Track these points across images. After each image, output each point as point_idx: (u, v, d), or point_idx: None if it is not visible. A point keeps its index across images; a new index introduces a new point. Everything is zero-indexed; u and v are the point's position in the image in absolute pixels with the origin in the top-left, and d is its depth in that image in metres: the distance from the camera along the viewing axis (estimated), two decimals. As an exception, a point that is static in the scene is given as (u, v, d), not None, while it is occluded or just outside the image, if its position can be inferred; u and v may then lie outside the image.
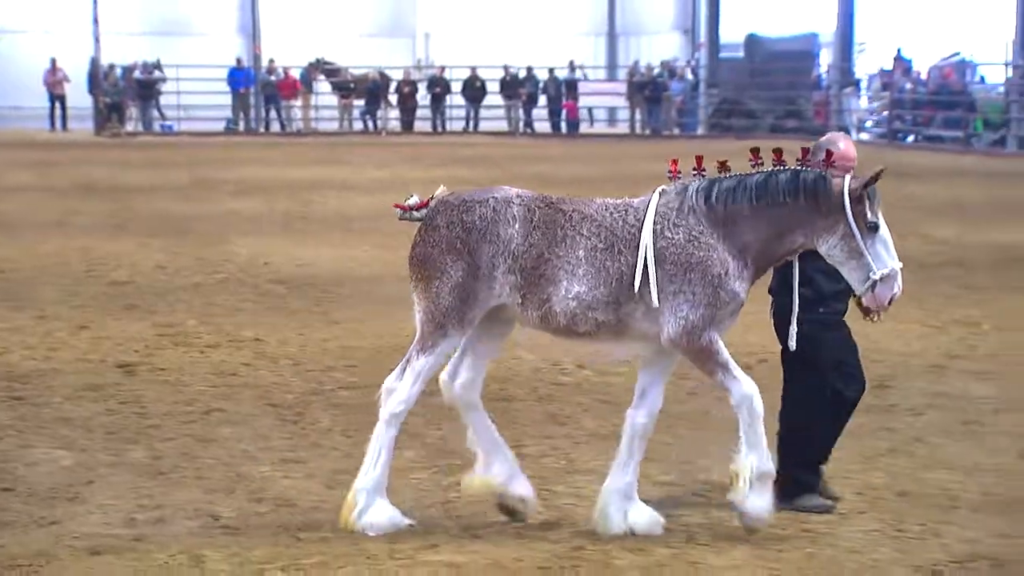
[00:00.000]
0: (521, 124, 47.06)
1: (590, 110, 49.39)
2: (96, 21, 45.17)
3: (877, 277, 7.23)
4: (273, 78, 46.88)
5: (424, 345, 7.58)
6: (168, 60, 46.08)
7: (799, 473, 7.99)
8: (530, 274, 7.43)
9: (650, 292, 7.28)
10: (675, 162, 7.63)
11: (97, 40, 45.22)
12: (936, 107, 39.34)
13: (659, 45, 52.43)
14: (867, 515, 7.94)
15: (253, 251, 18.92)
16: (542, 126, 47.18)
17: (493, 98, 46.64)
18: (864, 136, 42.09)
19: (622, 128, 46.92)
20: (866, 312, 7.57)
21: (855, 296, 7.43)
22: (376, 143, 42.44)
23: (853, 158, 7.73)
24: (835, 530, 7.67)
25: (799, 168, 7.40)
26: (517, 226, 7.45)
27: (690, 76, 48.11)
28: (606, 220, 7.48)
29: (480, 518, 7.91)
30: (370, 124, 46.88)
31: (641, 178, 29.25)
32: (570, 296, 7.40)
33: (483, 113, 46.87)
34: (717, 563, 7.14)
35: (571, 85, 46.78)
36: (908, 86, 41.62)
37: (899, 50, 44.22)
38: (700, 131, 45.50)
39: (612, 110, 48.27)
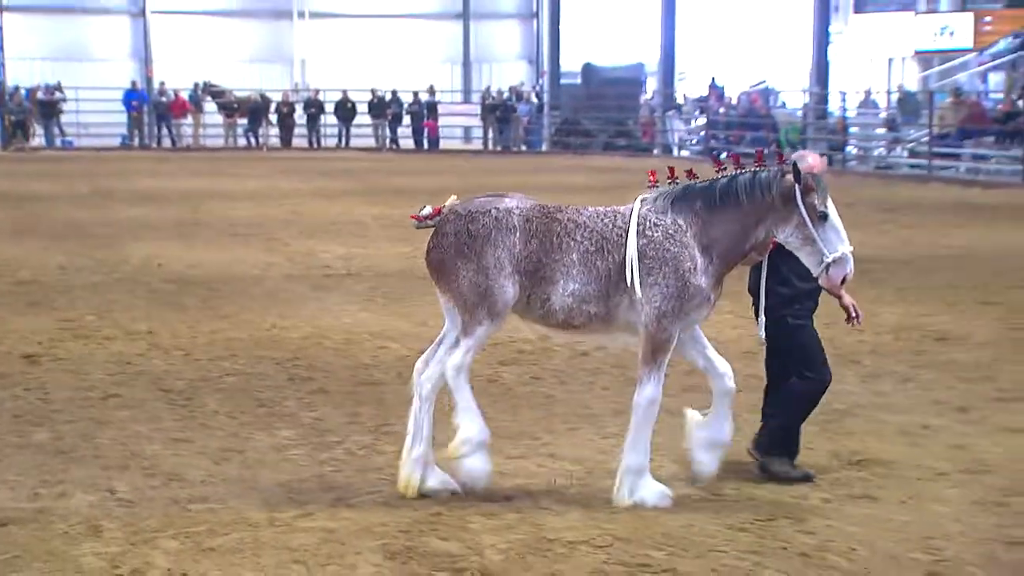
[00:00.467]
0: (387, 141, 46.93)
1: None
2: (2, 47, 44.12)
3: (829, 260, 7.25)
4: (164, 99, 46.28)
5: (466, 330, 7.56)
6: (68, 82, 45.18)
7: (785, 436, 8.07)
8: (532, 276, 7.47)
9: (635, 286, 7.34)
10: (653, 173, 7.73)
11: (3, 64, 44.18)
12: (745, 128, 39.91)
13: (508, 72, 52.72)
14: (686, 482, 7.98)
15: (147, 253, 18.63)
16: (407, 143, 47.12)
17: (363, 118, 46.48)
18: (685, 153, 42.57)
19: (476, 144, 46.99)
20: (848, 316, 7.90)
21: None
22: (258, 158, 42.00)
23: (820, 167, 7.72)
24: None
25: (756, 169, 7.47)
26: (517, 234, 7.46)
27: (535, 99, 48.34)
28: (596, 226, 7.50)
29: (351, 489, 7.86)
30: (252, 140, 46.34)
31: (491, 187, 29.49)
32: (567, 293, 7.46)
33: (354, 131, 46.60)
34: (557, 524, 7.15)
35: (431, 107, 46.76)
36: (721, 110, 42.18)
37: (713, 79, 44.84)
38: (544, 147, 45.67)
39: (467, 128, 48.27)
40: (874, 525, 7.09)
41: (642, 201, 7.56)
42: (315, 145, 46.41)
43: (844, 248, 7.27)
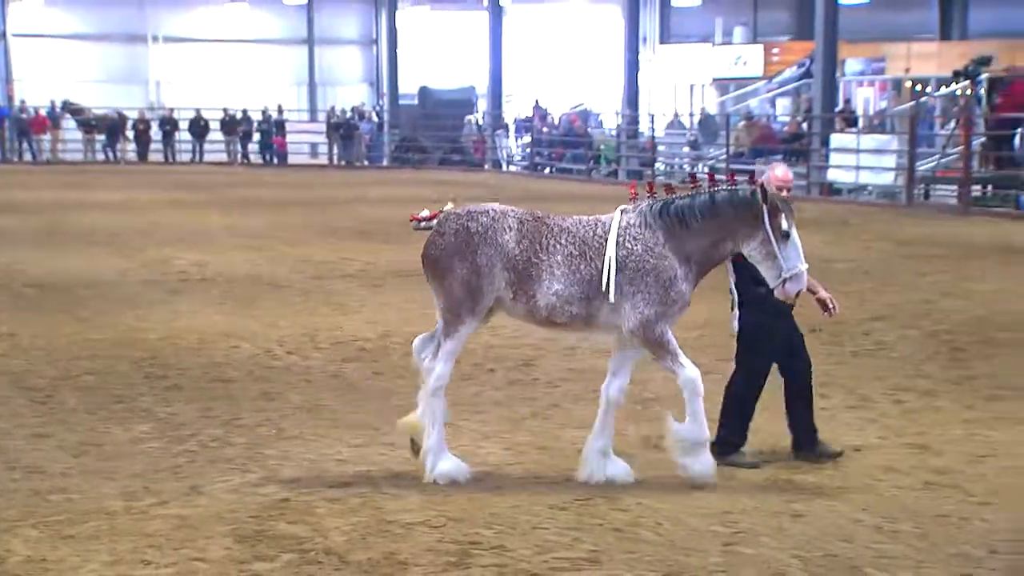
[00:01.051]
0: (239, 156, 46.25)
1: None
2: None
3: (788, 275, 7.26)
4: (24, 116, 44.93)
5: (448, 332, 7.53)
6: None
7: (732, 436, 8.05)
8: (520, 274, 7.43)
9: (610, 291, 7.32)
10: (633, 186, 7.72)
11: None
12: (566, 146, 40.27)
13: (351, 94, 52.42)
14: (515, 466, 8.03)
15: (9, 260, 18.05)
16: (257, 158, 46.50)
17: (215, 135, 45.75)
18: (513, 168, 42.77)
19: (322, 159, 46.55)
20: (824, 307, 7.90)
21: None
22: (116, 171, 40.97)
23: (788, 180, 7.78)
24: (489, 477, 7.73)
25: (731, 188, 7.45)
26: (511, 234, 7.43)
27: (376, 119, 48.14)
28: (579, 232, 7.47)
29: (204, 479, 7.71)
30: (110, 155, 45.20)
31: (339, 199, 29.33)
32: (551, 293, 7.41)
33: (207, 147, 45.80)
34: (396, 507, 7.12)
35: (279, 124, 46.20)
36: (544, 129, 42.50)
37: (537, 101, 45.17)
38: (385, 163, 45.48)
39: (314, 145, 47.77)
40: (680, 502, 7.20)
41: (622, 212, 7.55)
42: (170, 160, 45.49)
43: (801, 265, 7.30)
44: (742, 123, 34.24)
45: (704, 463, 7.47)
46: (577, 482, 7.54)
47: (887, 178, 28.03)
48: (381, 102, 50.26)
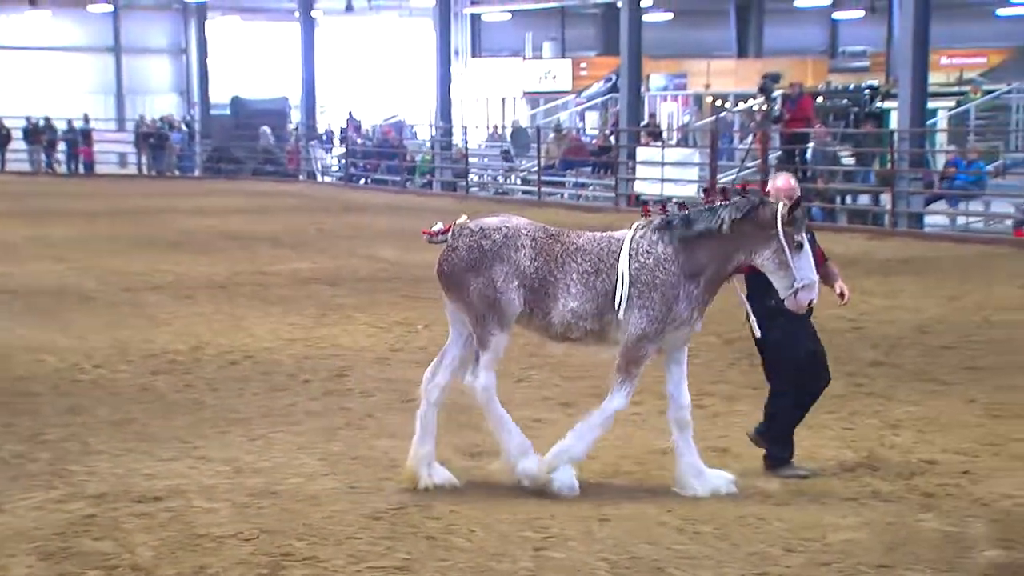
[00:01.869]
0: (43, 165, 44.72)
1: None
2: None
3: (800, 285, 7.17)
4: None
5: (481, 343, 7.45)
6: None
7: (781, 452, 7.95)
8: (536, 291, 7.34)
9: (621, 306, 7.23)
10: (646, 205, 7.62)
11: None
12: (380, 157, 40.17)
13: (160, 103, 51.30)
14: (329, 476, 7.95)
15: None
16: (63, 168, 45.03)
17: (18, 143, 44.15)
18: (328, 179, 42.44)
19: (132, 170, 45.37)
20: (840, 294, 7.83)
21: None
22: (-88, 180, 39.17)
23: (791, 188, 7.63)
24: (303, 488, 7.65)
25: (740, 200, 7.33)
26: (525, 252, 7.33)
27: (186, 128, 47.17)
28: (593, 249, 7.38)
29: (5, 495, 7.42)
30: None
31: (150, 210, 28.64)
32: (567, 310, 7.33)
33: (9, 156, 44.21)
34: (207, 520, 6.98)
35: (86, 134, 44.84)
36: (359, 140, 42.31)
37: (351, 112, 44.95)
38: (197, 173, 44.59)
39: (122, 155, 46.52)
40: (491, 509, 7.24)
41: (636, 228, 7.47)
42: (-29, 169, 43.74)
43: (812, 276, 7.23)
44: (552, 136, 34.68)
45: (565, 478, 7.48)
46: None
47: (691, 190, 28.74)
48: (192, 112, 49.27)
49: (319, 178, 42.18)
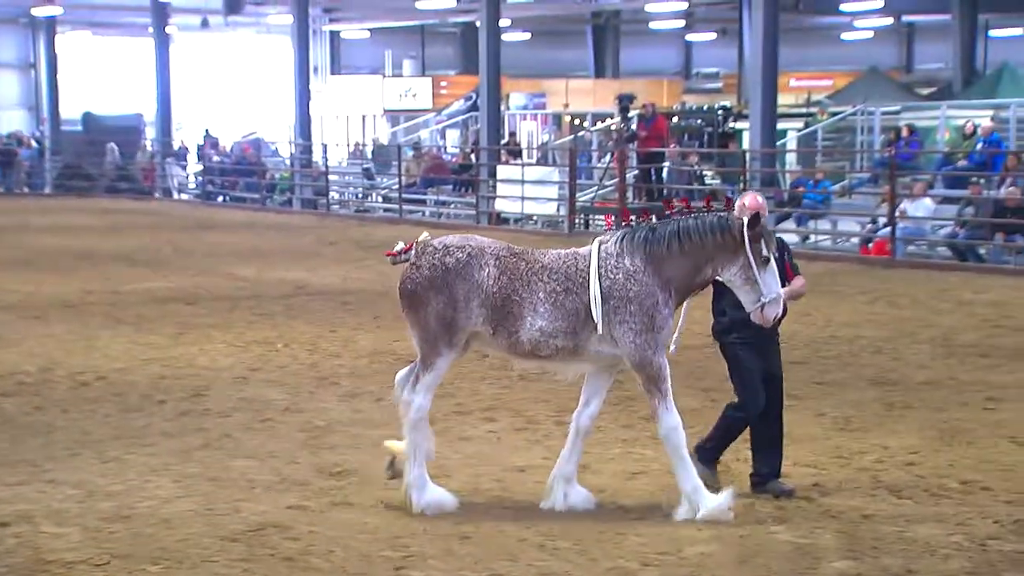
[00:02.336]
0: None
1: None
2: None
3: (766, 300, 7.16)
4: None
5: (425, 363, 7.39)
6: None
7: (762, 467, 7.83)
8: (499, 310, 7.27)
9: (599, 323, 7.14)
10: (609, 217, 7.46)
11: None
12: (239, 174, 39.63)
13: (7, 119, 49.77)
14: (185, 499, 7.80)
15: None
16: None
17: None
18: (185, 196, 41.72)
19: (-23, 187, 43.97)
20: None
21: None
22: None
23: (758, 207, 7.49)
24: (157, 511, 7.49)
25: (709, 214, 7.29)
26: (488, 271, 7.28)
27: (36, 145, 45.92)
28: (560, 267, 7.32)
29: None
30: None
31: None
32: (534, 329, 7.27)
33: None
34: (56, 546, 6.80)
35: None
36: (216, 157, 41.70)
37: (207, 129, 44.28)
38: (48, 190, 43.38)
39: (-31, 172, 45.10)
40: (351, 529, 7.19)
41: (600, 243, 7.39)
42: None
43: (778, 290, 7.21)
44: (412, 154, 34.66)
45: (717, 501, 7.30)
46: (542, 508, 7.53)
47: (551, 208, 28.99)
48: (42, 128, 47.98)
49: (175, 195, 41.42)
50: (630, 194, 26.51)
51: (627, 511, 7.57)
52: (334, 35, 51.43)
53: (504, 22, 36.60)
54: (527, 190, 28.76)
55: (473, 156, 33.25)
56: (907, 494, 7.84)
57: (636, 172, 27.36)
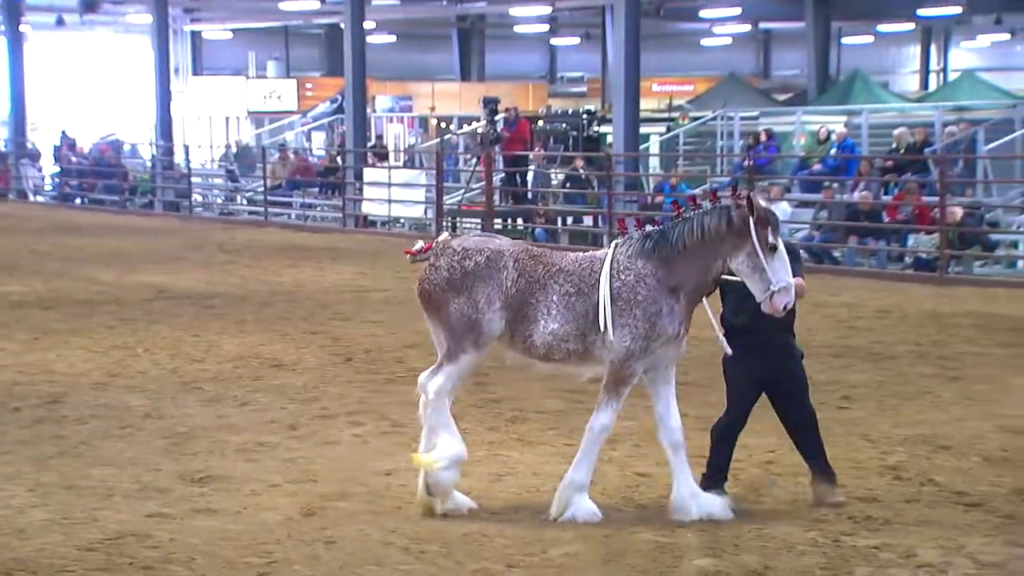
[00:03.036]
0: None
1: None
2: None
3: (775, 289, 7.03)
4: None
5: (450, 355, 7.33)
6: None
7: (709, 477, 7.66)
8: (516, 312, 7.26)
9: (608, 328, 7.08)
10: (621, 221, 7.38)
11: None
12: (97, 176, 38.75)
13: None
14: (40, 508, 7.60)
15: None
16: None
17: None
18: (41, 199, 40.63)
19: None
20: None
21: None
22: None
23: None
24: (11, 521, 7.28)
25: (713, 207, 7.17)
26: (507, 273, 7.25)
27: None
28: (575, 270, 7.28)
29: None
30: None
31: None
32: (547, 332, 7.24)
33: None
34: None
35: None
36: (73, 159, 40.71)
37: (64, 131, 43.17)
38: None
39: None
40: (213, 535, 7.07)
41: (615, 247, 7.30)
42: None
43: (788, 279, 7.08)
44: (277, 156, 34.29)
45: (583, 507, 7.33)
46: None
47: (418, 211, 28.95)
48: None
49: (31, 198, 40.33)
50: (497, 197, 26.63)
51: (493, 513, 7.58)
52: (195, 35, 50.56)
53: (369, 24, 36.41)
54: (394, 193, 28.69)
55: (339, 158, 33.02)
56: (765, 492, 7.99)
57: (503, 175, 27.48)
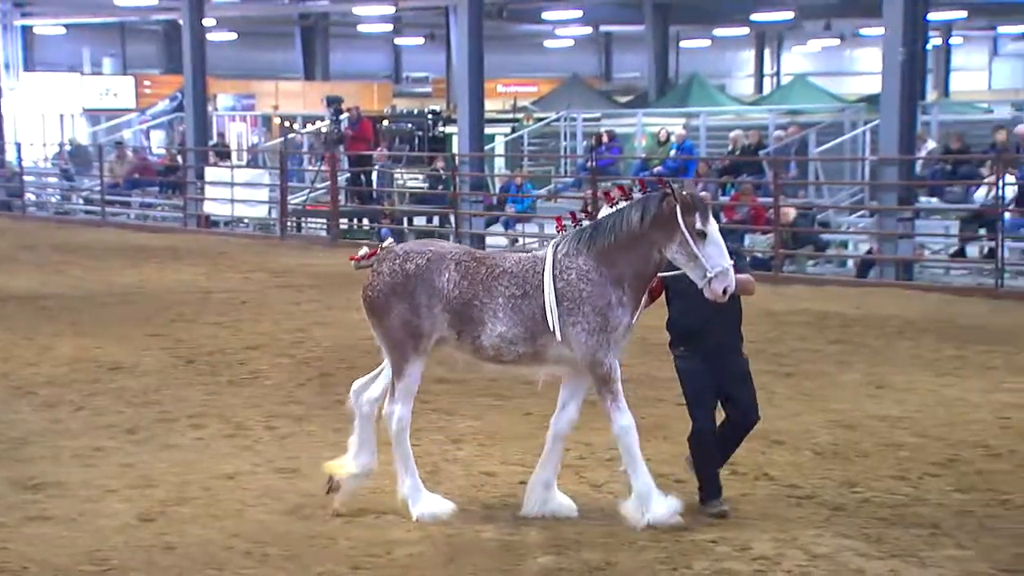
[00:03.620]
0: None
1: None
2: None
3: (712, 275, 6.95)
4: None
5: (397, 372, 7.29)
6: None
7: (702, 488, 7.55)
8: (460, 315, 7.20)
9: (556, 329, 7.08)
10: (559, 219, 7.25)
11: None
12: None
13: None
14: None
15: None
16: None
17: None
18: None
19: None
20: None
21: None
22: None
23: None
24: None
25: (640, 197, 7.08)
26: (447, 276, 7.20)
27: None
28: (518, 271, 7.24)
29: None
30: None
31: None
32: (495, 335, 7.19)
33: None
34: None
35: None
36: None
37: None
38: None
39: None
40: (47, 543, 6.89)
41: (554, 247, 7.17)
42: None
43: (725, 263, 7.00)
44: (114, 154, 33.45)
45: (665, 506, 7.21)
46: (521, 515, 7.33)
47: (262, 211, 28.57)
48: None
49: None
50: (342, 197, 26.44)
51: (338, 515, 7.53)
52: (26, 30, 48.91)
53: (209, 21, 35.80)
54: (237, 192, 28.26)
55: (180, 157, 32.38)
56: (608, 489, 8.10)
57: (348, 175, 27.29)
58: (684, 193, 7.13)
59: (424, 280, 7.25)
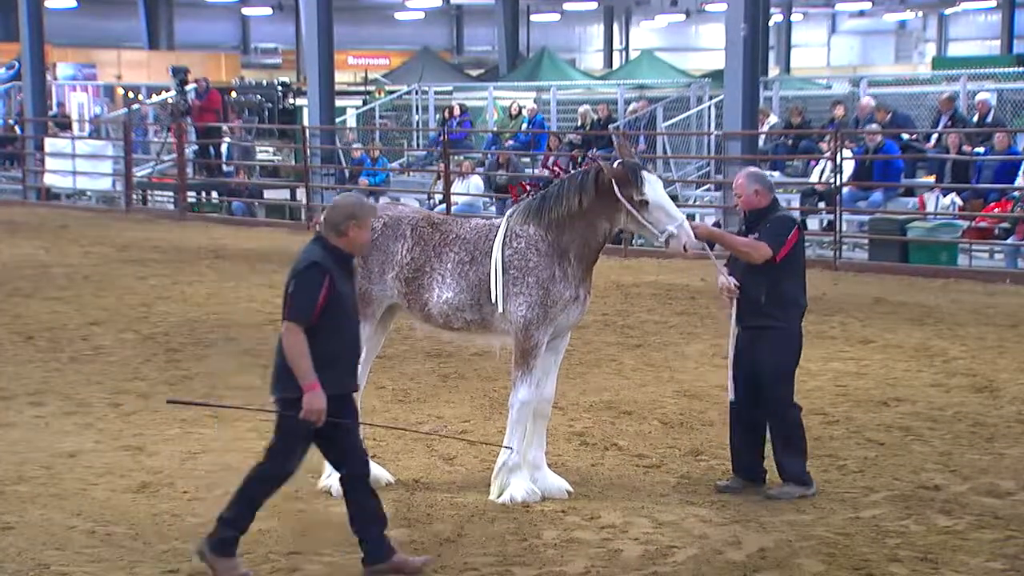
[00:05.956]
0: None
1: None
2: None
3: (663, 239, 7.00)
4: None
5: None
6: None
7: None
8: (411, 281, 7.16)
9: (499, 301, 7.00)
10: (512, 188, 6.69)
11: None
12: None
13: None
14: None
15: None
16: None
17: None
18: None
19: None
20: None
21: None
22: None
23: (737, 186, 7.45)
24: None
25: (581, 171, 6.97)
26: (403, 241, 7.15)
27: None
28: (472, 238, 7.16)
29: None
30: None
31: None
32: (442, 301, 7.14)
33: None
34: None
35: None
36: None
37: None
38: None
39: None
40: None
41: (509, 215, 7.23)
42: None
43: (673, 223, 6.98)
44: (-52, 124, 32.20)
45: (524, 490, 7.19)
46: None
47: (105, 183, 27.83)
48: None
49: None
50: (190, 169, 25.88)
51: (183, 492, 7.39)
52: None
53: (47, -12, 34.56)
54: (79, 164, 27.46)
55: (18, 128, 31.30)
56: (459, 461, 8.12)
57: (195, 147, 26.73)
58: (615, 167, 7.10)
59: (378, 246, 7.26)
